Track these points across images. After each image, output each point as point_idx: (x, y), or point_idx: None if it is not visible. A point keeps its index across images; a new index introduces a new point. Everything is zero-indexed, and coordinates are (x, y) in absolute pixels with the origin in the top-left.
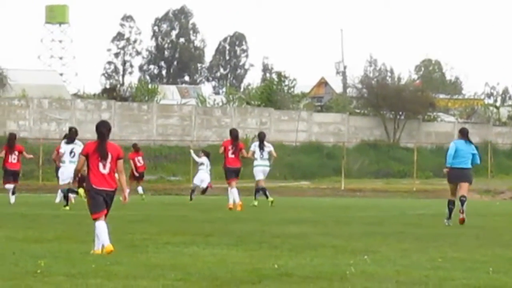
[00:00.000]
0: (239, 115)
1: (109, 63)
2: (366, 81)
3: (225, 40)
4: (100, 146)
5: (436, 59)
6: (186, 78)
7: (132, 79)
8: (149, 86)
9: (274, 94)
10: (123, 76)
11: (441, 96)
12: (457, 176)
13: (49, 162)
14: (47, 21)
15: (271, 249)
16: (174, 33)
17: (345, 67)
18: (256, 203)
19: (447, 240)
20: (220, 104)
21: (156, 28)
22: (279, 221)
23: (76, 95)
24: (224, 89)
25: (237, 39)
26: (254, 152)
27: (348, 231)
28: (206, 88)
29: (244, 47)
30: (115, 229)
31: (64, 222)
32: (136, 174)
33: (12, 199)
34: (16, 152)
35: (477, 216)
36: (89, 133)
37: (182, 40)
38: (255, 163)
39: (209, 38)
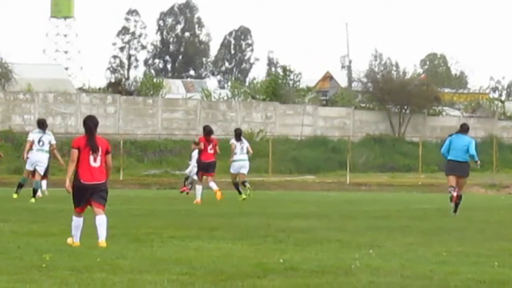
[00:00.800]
0: (244, 109)
1: (114, 57)
2: (371, 75)
3: (230, 34)
4: (90, 140)
5: (441, 53)
6: (191, 72)
7: (137, 73)
8: (154, 80)
9: (279, 88)
10: (128, 70)
11: (446, 90)
12: (452, 168)
13: (53, 156)
14: (52, 15)
15: (277, 243)
16: (179, 27)
17: (350, 61)
18: (250, 193)
19: (452, 234)
20: (225, 98)
21: (161, 22)
22: (284, 215)
23: (81, 89)
24: (229, 83)
25: (242, 33)
26: (235, 147)
27: (353, 225)
28: (211, 82)
29: (249, 41)
30: (120, 223)
31: (69, 216)
32: None
33: None
34: None
35: (482, 210)
36: None
37: (187, 34)
38: (235, 157)
39: (214, 32)
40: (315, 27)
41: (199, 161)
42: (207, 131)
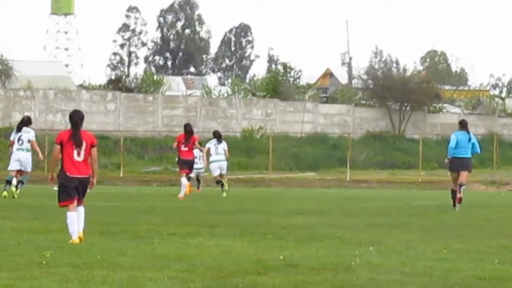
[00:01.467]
0: (244, 106)
1: (115, 54)
2: (372, 72)
3: (230, 31)
4: (74, 135)
5: (441, 50)
6: (192, 69)
7: (137, 70)
8: (155, 77)
9: (279, 85)
10: (128, 67)
11: (447, 87)
12: (457, 165)
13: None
14: (52, 12)
15: (277, 240)
16: (179, 24)
17: (350, 58)
18: (225, 194)
19: (452, 232)
20: (226, 95)
21: (161, 19)
22: (284, 212)
23: (81, 86)
24: (229, 80)
25: (243, 30)
26: (209, 149)
27: (353, 222)
28: (212, 79)
29: (249, 38)
30: (120, 220)
31: None
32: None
33: None
34: None
35: (483, 207)
36: (94, 124)
37: (187, 31)
38: (211, 158)
39: (214, 29)
40: (316, 24)
41: (178, 158)
42: (187, 130)
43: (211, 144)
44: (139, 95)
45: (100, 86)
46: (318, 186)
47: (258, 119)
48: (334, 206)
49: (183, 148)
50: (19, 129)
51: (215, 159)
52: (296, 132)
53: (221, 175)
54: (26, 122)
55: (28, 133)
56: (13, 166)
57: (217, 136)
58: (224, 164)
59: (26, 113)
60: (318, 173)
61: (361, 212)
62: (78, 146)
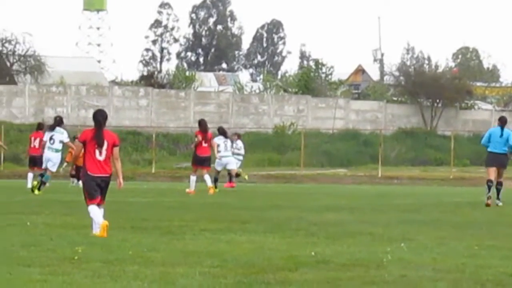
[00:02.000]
0: (276, 102)
1: (147, 50)
2: (404, 69)
3: (262, 27)
4: (96, 134)
5: (473, 46)
6: (224, 65)
7: (169, 66)
8: (187, 73)
9: (311, 81)
10: (160, 63)
11: (479, 84)
12: (492, 160)
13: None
14: (85, 8)
15: (308, 236)
16: (211, 20)
17: (382, 55)
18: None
19: (483, 228)
20: (257, 91)
21: (193, 15)
22: (316, 208)
23: (113, 82)
24: (261, 77)
25: (275, 27)
26: (218, 145)
27: (385, 219)
28: (244, 76)
29: (281, 34)
30: (152, 216)
31: None
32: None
33: None
34: None
35: None
36: (127, 119)
37: (219, 27)
38: (220, 154)
39: (246, 26)
40: (348, 20)
41: (194, 155)
42: (203, 125)
43: (220, 140)
44: (171, 91)
45: (132, 82)
46: (349, 183)
47: (289, 115)
48: (365, 203)
49: (203, 144)
50: (52, 128)
51: (225, 155)
52: (327, 128)
53: (230, 171)
54: (58, 122)
55: (61, 134)
56: (45, 165)
57: (222, 132)
58: (231, 159)
59: (59, 109)
60: (350, 169)
61: (392, 209)
62: (100, 145)
